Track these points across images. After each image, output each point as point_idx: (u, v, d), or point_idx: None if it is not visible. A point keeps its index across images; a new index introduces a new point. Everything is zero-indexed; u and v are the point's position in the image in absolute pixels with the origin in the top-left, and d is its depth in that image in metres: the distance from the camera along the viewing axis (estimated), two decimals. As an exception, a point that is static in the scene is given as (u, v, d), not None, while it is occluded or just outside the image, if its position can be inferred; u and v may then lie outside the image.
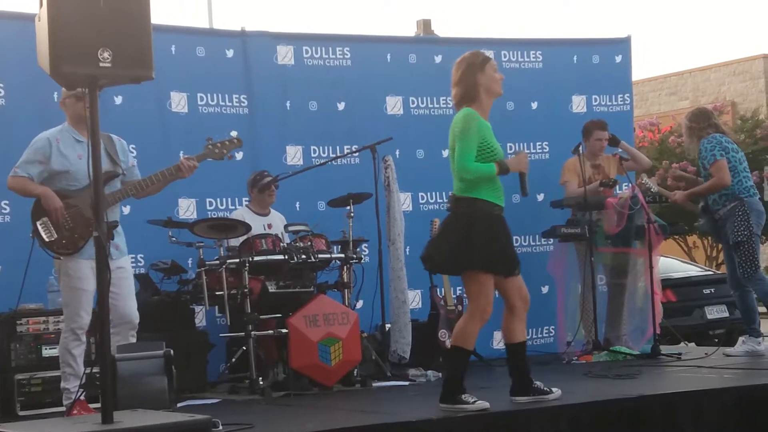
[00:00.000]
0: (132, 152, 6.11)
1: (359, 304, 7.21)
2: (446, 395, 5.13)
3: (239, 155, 7.15)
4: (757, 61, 26.21)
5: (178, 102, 7.48)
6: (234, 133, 6.09)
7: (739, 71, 26.35)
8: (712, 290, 11.56)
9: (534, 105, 8.68)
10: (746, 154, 26.18)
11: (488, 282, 5.18)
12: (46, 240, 5.48)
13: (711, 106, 22.48)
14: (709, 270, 15.09)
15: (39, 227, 5.49)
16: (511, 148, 8.47)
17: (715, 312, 11.28)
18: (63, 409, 5.49)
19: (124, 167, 5.70)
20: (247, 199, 7.46)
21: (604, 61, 8.91)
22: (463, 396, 5.09)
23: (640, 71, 35.29)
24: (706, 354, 7.55)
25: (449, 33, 37.11)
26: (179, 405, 5.52)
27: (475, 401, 5.07)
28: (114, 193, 5.57)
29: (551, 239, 8.12)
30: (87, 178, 5.47)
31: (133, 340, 5.54)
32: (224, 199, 7.54)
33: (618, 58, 8.90)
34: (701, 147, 7.50)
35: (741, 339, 7.55)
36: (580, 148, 7.86)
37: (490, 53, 8.48)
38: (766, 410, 5.60)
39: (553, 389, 5.34)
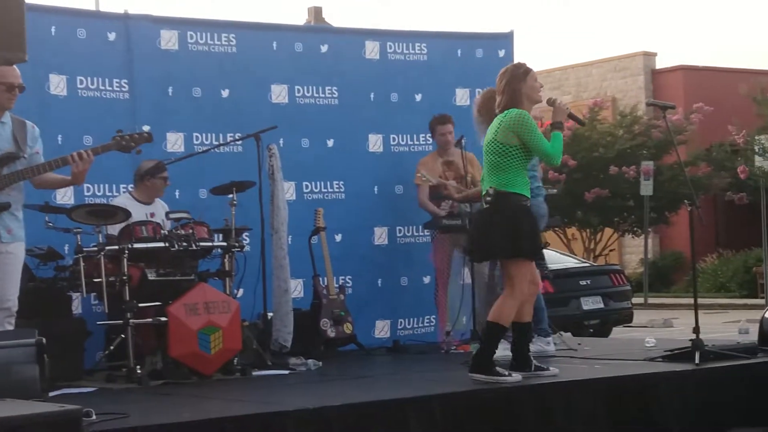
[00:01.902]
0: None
1: (240, 293, 7.18)
2: (481, 367, 5.60)
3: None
4: (637, 58, 26.94)
5: (57, 84, 7.31)
6: (146, 128, 6.10)
7: (620, 68, 27.04)
8: (589, 282, 11.92)
9: (418, 97, 8.72)
10: (624, 149, 26.65)
11: (531, 267, 5.83)
12: None
13: (592, 101, 23.15)
14: (586, 262, 15.52)
15: None
16: (394, 140, 8.58)
17: (591, 303, 11.65)
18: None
19: (29, 152, 5.65)
20: (125, 186, 7.34)
21: (488, 55, 9.00)
22: (497, 368, 5.61)
23: (524, 65, 35.77)
24: (579, 344, 7.77)
25: (340, 21, 37.22)
26: (54, 394, 5.41)
27: (510, 374, 5.62)
28: (8, 175, 5.52)
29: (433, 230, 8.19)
30: None
31: (11, 327, 5.44)
32: (102, 186, 7.38)
33: (501, 53, 9.02)
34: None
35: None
36: (462, 141, 7.92)
37: (375, 44, 8.65)
38: (635, 399, 5.81)
39: (551, 368, 5.91)
